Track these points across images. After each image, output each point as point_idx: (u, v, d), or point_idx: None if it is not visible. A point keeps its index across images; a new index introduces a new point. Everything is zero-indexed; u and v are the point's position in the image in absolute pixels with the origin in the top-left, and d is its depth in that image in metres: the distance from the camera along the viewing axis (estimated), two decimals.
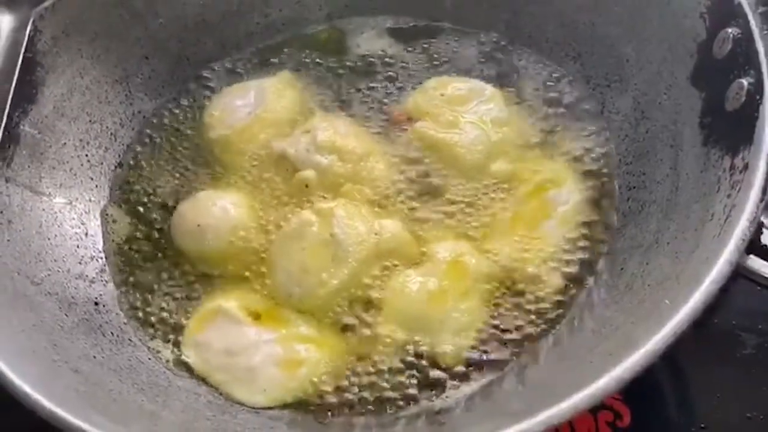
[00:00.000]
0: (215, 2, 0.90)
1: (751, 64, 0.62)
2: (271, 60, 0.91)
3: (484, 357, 0.67)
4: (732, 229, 0.56)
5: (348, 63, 0.89)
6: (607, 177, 0.76)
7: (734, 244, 0.55)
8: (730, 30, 0.65)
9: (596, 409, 0.73)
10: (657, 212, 0.68)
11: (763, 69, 0.61)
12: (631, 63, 0.77)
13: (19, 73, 0.74)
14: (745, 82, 0.62)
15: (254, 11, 0.92)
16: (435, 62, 0.87)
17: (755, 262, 0.79)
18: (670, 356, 0.76)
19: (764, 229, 0.81)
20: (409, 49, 0.89)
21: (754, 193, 0.56)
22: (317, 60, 0.90)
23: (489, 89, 0.82)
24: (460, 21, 0.90)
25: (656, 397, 0.75)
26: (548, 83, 0.83)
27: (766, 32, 0.63)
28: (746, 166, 0.58)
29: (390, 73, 0.87)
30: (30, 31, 0.75)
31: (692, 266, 0.57)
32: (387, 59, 0.88)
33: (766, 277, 0.78)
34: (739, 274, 0.79)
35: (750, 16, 0.64)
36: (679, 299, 0.53)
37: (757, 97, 0.60)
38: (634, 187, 0.73)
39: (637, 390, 0.74)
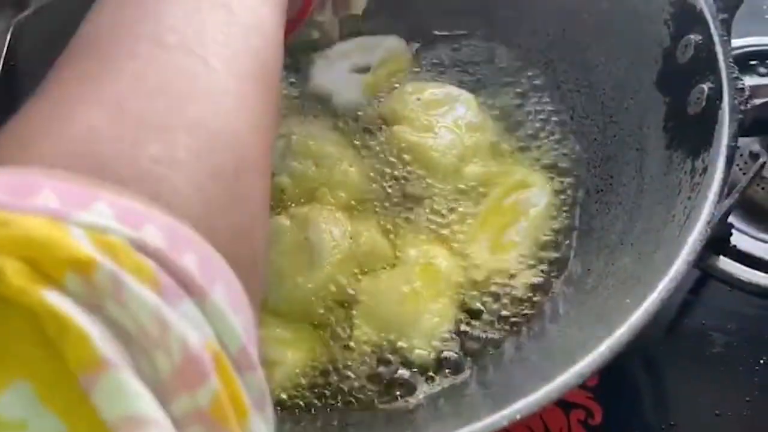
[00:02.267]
0: None
1: (711, 70, 0.64)
2: None
3: (455, 357, 0.69)
4: (690, 231, 0.57)
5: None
6: (576, 180, 0.77)
7: (692, 244, 0.56)
8: (692, 36, 0.67)
9: (568, 407, 0.75)
10: (622, 214, 0.70)
11: (722, 74, 0.63)
12: (600, 69, 0.79)
13: (0, 81, 0.75)
14: (705, 87, 0.64)
15: None
16: (411, 67, 0.89)
17: (725, 263, 0.81)
18: (642, 355, 0.79)
19: (733, 231, 0.83)
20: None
21: (712, 194, 0.58)
22: (293, 64, 0.91)
23: (464, 94, 0.83)
24: (433, 27, 0.91)
25: (628, 396, 0.77)
26: (520, 89, 0.85)
27: (725, 38, 0.65)
28: (705, 169, 0.60)
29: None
30: (11, 40, 0.76)
31: (653, 266, 0.59)
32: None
33: (735, 278, 0.81)
34: (709, 274, 0.81)
35: (711, 23, 0.66)
36: (639, 298, 0.55)
37: (717, 102, 0.62)
38: (602, 190, 0.75)
39: (609, 388, 0.75)
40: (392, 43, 0.89)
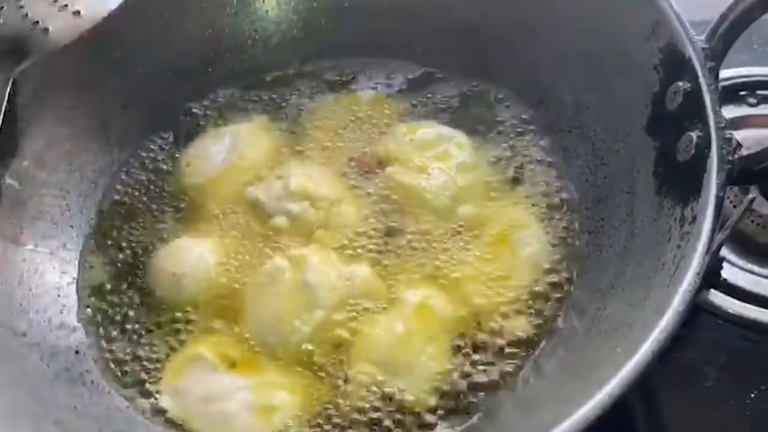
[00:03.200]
0: (192, 50, 0.93)
1: (700, 118, 0.65)
2: (247, 105, 0.93)
3: (451, 401, 0.69)
4: (680, 281, 0.58)
5: (320, 107, 0.91)
6: (568, 221, 0.79)
7: (682, 296, 0.57)
8: (681, 83, 0.68)
9: None
10: (614, 258, 0.71)
11: (711, 123, 0.64)
12: (591, 111, 0.80)
13: (1, 127, 0.76)
14: (694, 135, 0.65)
15: (230, 58, 0.95)
16: (405, 106, 0.90)
17: (716, 297, 0.83)
18: (636, 390, 0.79)
19: (724, 264, 0.84)
20: (380, 93, 0.92)
21: (701, 246, 0.59)
22: (292, 104, 0.92)
23: (457, 135, 0.85)
24: (429, 66, 0.93)
25: (620, 430, 0.77)
26: (514, 129, 0.86)
27: (713, 87, 0.66)
28: (694, 219, 0.61)
29: (361, 117, 0.89)
30: (11, 86, 0.77)
31: (644, 315, 0.59)
32: (359, 104, 0.91)
33: (726, 311, 0.82)
34: (700, 308, 0.82)
35: (699, 71, 0.67)
36: (631, 348, 0.55)
37: (705, 151, 0.63)
38: (593, 232, 0.76)
39: (603, 423, 0.76)
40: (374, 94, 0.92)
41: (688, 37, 0.68)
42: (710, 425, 0.77)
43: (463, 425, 0.68)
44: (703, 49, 0.68)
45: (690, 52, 0.68)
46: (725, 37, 0.68)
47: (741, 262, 0.87)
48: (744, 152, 0.63)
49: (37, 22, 0.76)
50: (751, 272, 0.86)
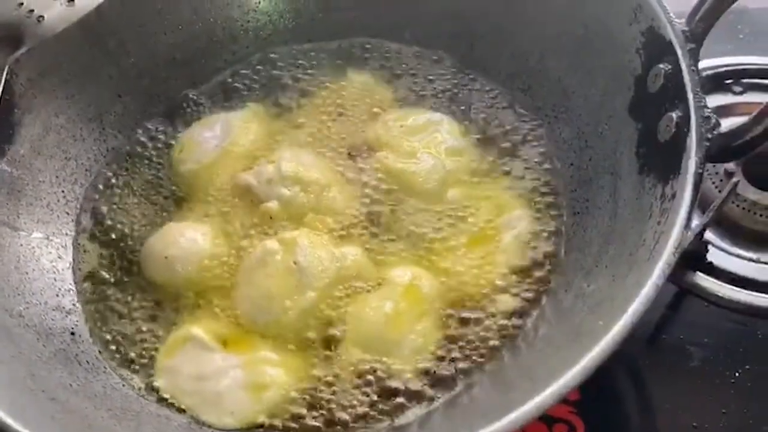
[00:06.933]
0: (185, 41, 0.94)
1: (680, 99, 0.66)
2: (239, 94, 0.94)
3: (439, 376, 0.71)
4: (659, 255, 0.59)
5: (311, 94, 0.93)
6: (554, 203, 0.80)
7: (660, 268, 0.58)
8: (662, 66, 0.69)
9: (551, 421, 0.77)
10: (598, 237, 0.72)
11: (690, 104, 0.65)
12: (576, 95, 0.82)
13: None
14: (674, 115, 0.66)
15: (223, 48, 0.97)
16: (394, 92, 0.92)
17: (701, 279, 0.84)
18: (622, 370, 0.81)
19: (710, 247, 0.86)
20: (371, 78, 0.93)
21: (680, 221, 0.60)
22: (283, 92, 0.94)
23: (445, 120, 0.86)
24: (418, 51, 0.95)
25: (608, 410, 0.79)
26: (501, 114, 0.88)
27: (693, 68, 0.67)
28: (674, 195, 0.62)
29: (352, 104, 0.91)
30: (6, 75, 0.78)
31: (625, 289, 0.61)
32: (349, 90, 0.92)
33: (711, 294, 0.83)
34: (686, 290, 0.83)
35: (679, 53, 0.68)
36: (612, 321, 0.57)
37: (685, 130, 0.64)
38: (578, 213, 0.77)
39: (591, 403, 0.77)
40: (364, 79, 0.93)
41: (669, 20, 0.70)
42: (696, 403, 0.78)
43: (450, 397, 0.69)
44: (683, 31, 0.69)
45: (671, 34, 0.69)
46: (705, 19, 0.70)
47: (726, 246, 0.88)
48: (722, 130, 0.64)
49: (32, 10, 0.78)
50: (737, 256, 0.87)
